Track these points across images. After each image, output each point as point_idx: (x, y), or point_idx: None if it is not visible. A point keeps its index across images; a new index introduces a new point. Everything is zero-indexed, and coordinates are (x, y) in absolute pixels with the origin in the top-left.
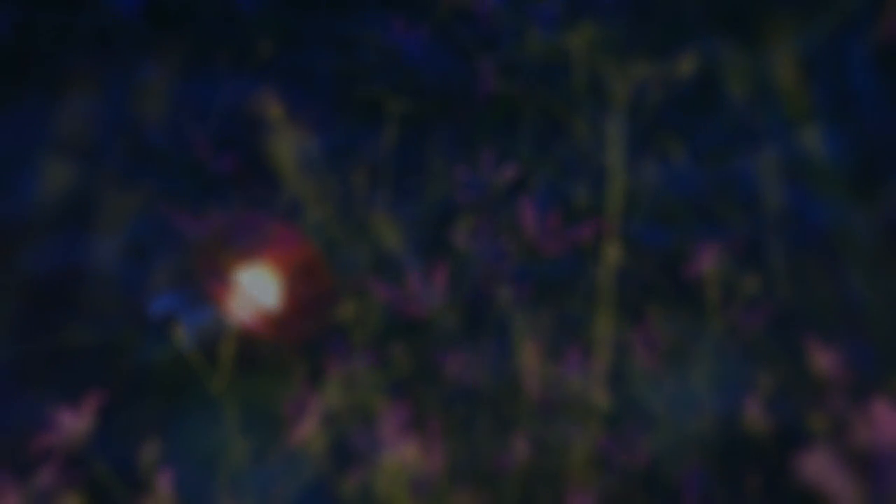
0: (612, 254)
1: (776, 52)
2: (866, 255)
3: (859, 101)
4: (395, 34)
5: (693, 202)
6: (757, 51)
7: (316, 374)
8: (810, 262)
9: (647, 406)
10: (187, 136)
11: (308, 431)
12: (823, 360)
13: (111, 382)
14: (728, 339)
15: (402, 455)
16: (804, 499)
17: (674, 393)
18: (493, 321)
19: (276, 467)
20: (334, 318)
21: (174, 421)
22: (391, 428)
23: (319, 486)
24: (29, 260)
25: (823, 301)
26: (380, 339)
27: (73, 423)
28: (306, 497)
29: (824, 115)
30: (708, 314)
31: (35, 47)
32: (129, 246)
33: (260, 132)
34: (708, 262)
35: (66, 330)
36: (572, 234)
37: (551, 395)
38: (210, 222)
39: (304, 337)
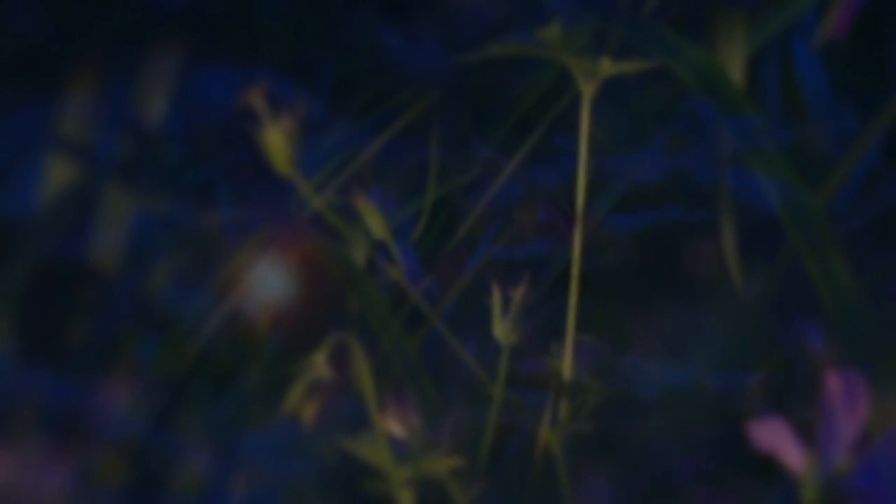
0: (581, 235)
1: (729, 49)
2: (814, 236)
3: (806, 93)
4: (387, 34)
5: (657, 188)
6: (712, 48)
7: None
8: (761, 243)
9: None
10: (190, 130)
11: (298, 402)
12: (790, 338)
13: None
14: (692, 316)
15: (384, 424)
16: (761, 463)
17: (638, 362)
18: (474, 300)
19: (271, 434)
20: (339, 309)
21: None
22: (378, 400)
23: (307, 450)
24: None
25: (777, 280)
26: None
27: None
28: (294, 459)
29: (773, 107)
30: (674, 292)
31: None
32: (130, 242)
33: (260, 127)
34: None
35: (67, 325)
36: (543, 216)
37: (526, 369)
38: (213, 217)
39: (311, 328)
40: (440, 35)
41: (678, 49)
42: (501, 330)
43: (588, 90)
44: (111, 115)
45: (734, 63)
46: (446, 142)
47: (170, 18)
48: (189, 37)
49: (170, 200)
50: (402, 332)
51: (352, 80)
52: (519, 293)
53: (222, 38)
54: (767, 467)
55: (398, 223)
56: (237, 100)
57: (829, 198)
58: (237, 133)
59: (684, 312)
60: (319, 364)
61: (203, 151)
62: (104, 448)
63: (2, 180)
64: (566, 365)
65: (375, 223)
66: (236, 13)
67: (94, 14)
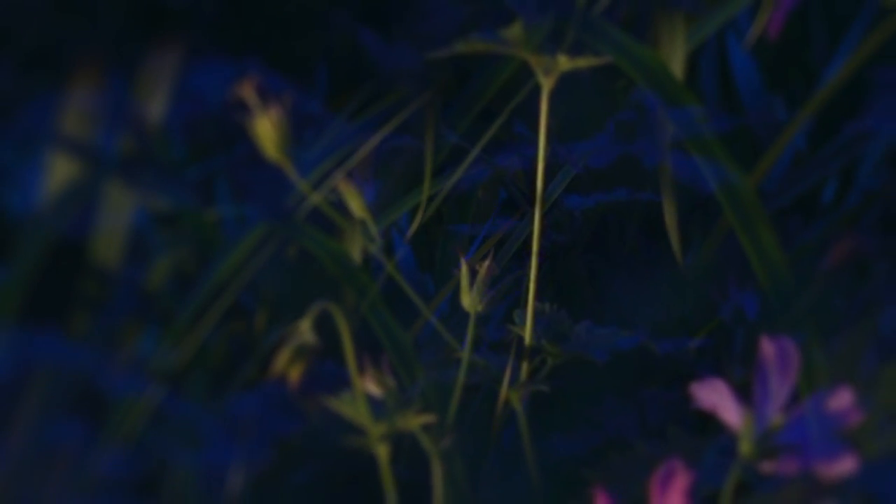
0: (540, 214)
1: (671, 46)
2: (746, 213)
3: (739, 87)
4: (365, 34)
5: (607, 173)
6: (656, 46)
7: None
8: (700, 220)
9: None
10: (188, 125)
11: (285, 365)
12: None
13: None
14: (639, 286)
15: (363, 384)
16: (702, 420)
17: (591, 328)
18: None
19: (259, 392)
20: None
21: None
22: (356, 361)
23: (292, 406)
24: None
25: (714, 253)
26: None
27: None
28: (280, 415)
29: (711, 99)
30: (623, 265)
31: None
32: (130, 238)
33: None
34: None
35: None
36: (505, 197)
37: (490, 335)
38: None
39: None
40: (413, 34)
41: (626, 47)
42: (468, 300)
43: (547, 83)
44: (112, 112)
45: (675, 59)
46: (417, 130)
47: (168, 18)
48: (187, 35)
49: (170, 196)
50: (392, 319)
51: (345, 80)
52: (484, 267)
53: (217, 36)
54: (708, 423)
55: (394, 219)
56: (230, 92)
57: (759, 179)
58: (235, 129)
59: (632, 283)
60: (304, 331)
61: (202, 148)
62: (112, 406)
63: (6, 176)
64: (527, 331)
65: (356, 205)
66: (230, 14)
67: (96, 14)
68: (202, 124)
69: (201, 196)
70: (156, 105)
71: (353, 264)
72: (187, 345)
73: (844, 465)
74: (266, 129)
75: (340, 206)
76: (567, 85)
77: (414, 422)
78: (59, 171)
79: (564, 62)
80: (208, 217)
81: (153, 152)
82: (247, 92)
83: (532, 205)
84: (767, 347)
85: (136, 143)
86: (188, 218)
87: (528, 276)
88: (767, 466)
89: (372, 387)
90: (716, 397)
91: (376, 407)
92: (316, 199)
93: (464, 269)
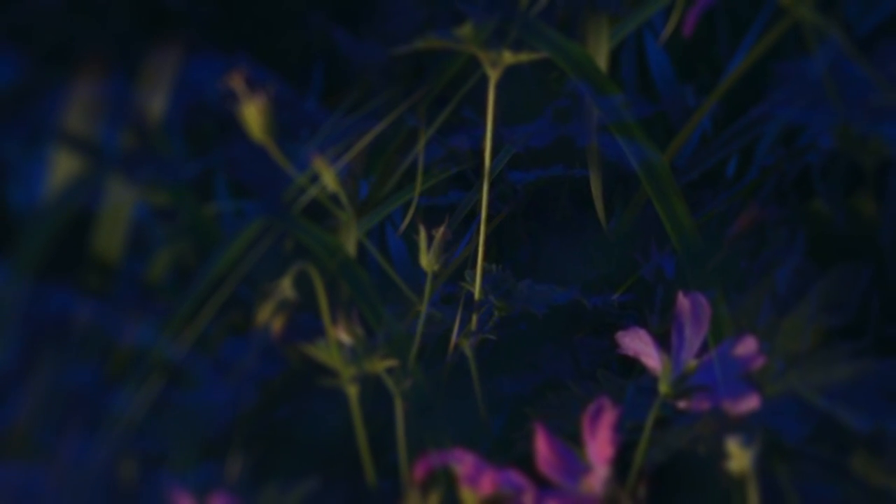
0: (487, 187)
1: (597, 43)
2: (662, 186)
3: (655, 77)
4: (338, 32)
5: (545, 152)
6: (584, 43)
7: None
8: (623, 191)
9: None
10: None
11: (269, 316)
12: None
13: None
14: (572, 249)
15: (335, 333)
16: (627, 364)
17: (531, 285)
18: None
19: (246, 341)
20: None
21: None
22: (330, 314)
23: (274, 352)
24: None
25: (633, 220)
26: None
27: None
28: (265, 361)
29: (631, 88)
30: (558, 231)
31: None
32: (131, 231)
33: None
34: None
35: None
36: (457, 172)
37: (445, 291)
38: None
39: None
40: (379, 33)
41: (559, 44)
42: (426, 261)
43: (493, 75)
44: (114, 108)
45: (600, 54)
46: (381, 115)
47: (167, 19)
48: (184, 35)
49: (169, 191)
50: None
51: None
52: (439, 233)
53: (211, 35)
54: (632, 367)
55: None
56: (221, 82)
57: (672, 157)
58: (232, 126)
59: (566, 246)
60: (285, 287)
61: (201, 144)
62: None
63: (10, 172)
64: (476, 287)
65: (328, 178)
66: (222, 15)
67: (105, 15)
68: (199, 113)
69: (200, 191)
70: (156, 99)
71: (348, 257)
72: (186, 336)
73: (748, 403)
74: (253, 115)
75: (336, 201)
76: (510, 76)
77: (379, 365)
78: (63, 167)
79: (508, 57)
80: (207, 211)
81: (154, 148)
82: (236, 82)
83: (480, 179)
84: (683, 302)
85: (137, 139)
86: (188, 212)
87: (476, 240)
88: (683, 404)
89: (343, 336)
90: (639, 345)
91: (347, 353)
92: (312, 193)
93: (422, 234)
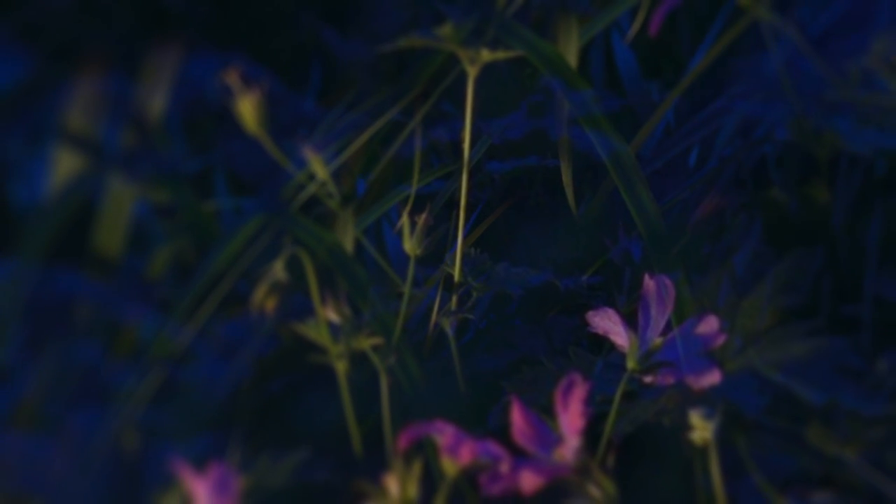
0: (466, 176)
1: (567, 42)
2: (628, 175)
3: (622, 74)
4: (327, 31)
5: (520, 143)
6: (555, 42)
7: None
8: (592, 179)
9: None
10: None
11: (262, 297)
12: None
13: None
14: (545, 233)
15: (325, 313)
16: (597, 341)
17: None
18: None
19: (242, 320)
20: None
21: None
22: (319, 295)
23: (268, 331)
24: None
25: (601, 207)
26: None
27: None
28: (259, 338)
29: (599, 84)
30: (532, 216)
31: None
32: (131, 228)
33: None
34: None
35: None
36: (436, 162)
37: (427, 273)
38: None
39: None
40: (365, 32)
41: (533, 43)
42: (409, 245)
43: (472, 72)
44: (115, 107)
45: (571, 52)
46: (378, 113)
47: (167, 20)
48: (183, 34)
49: (170, 188)
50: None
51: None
52: (422, 218)
53: (208, 35)
54: (602, 344)
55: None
56: (218, 79)
57: (638, 147)
58: (231, 125)
59: (540, 231)
60: (278, 270)
61: (201, 142)
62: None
63: (13, 170)
64: (456, 270)
65: (319, 169)
66: (218, 15)
67: (110, 16)
68: (198, 110)
69: (200, 188)
70: (157, 98)
71: (345, 254)
72: (187, 330)
73: (710, 378)
74: (247, 108)
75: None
76: (487, 73)
77: (365, 343)
78: (65, 164)
79: (486, 54)
80: (207, 209)
81: (154, 145)
82: (232, 78)
83: (459, 169)
84: (649, 283)
85: (137, 136)
86: (187, 209)
87: (456, 226)
88: (649, 379)
89: (332, 315)
90: (608, 323)
91: (336, 331)
92: (310, 190)
93: (405, 220)
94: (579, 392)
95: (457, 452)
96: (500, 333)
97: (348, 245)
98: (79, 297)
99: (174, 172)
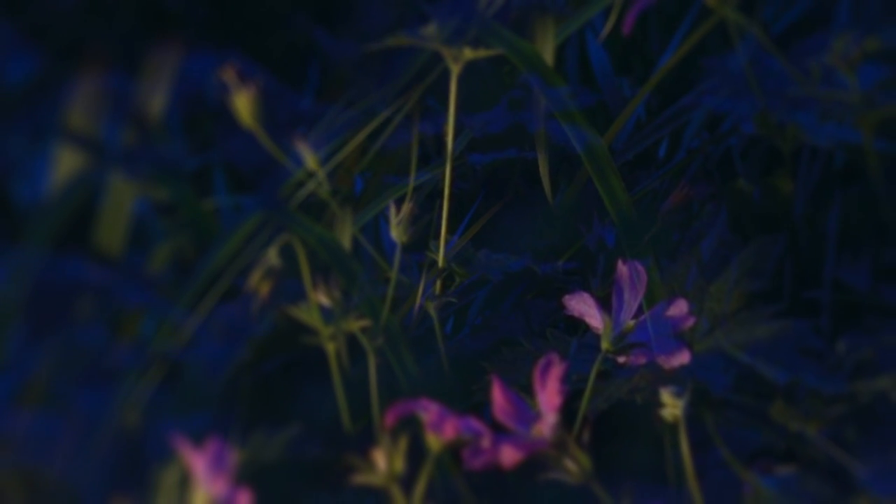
0: (450, 167)
1: (544, 40)
2: (601, 166)
3: (595, 71)
4: (318, 31)
5: (500, 137)
6: (533, 40)
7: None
8: (568, 170)
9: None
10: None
11: (257, 282)
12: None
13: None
14: (524, 221)
15: (316, 296)
16: (573, 323)
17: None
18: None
19: (237, 303)
20: None
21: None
22: (311, 279)
23: (262, 314)
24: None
25: (575, 196)
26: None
27: None
28: (253, 321)
29: (574, 80)
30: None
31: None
32: (132, 226)
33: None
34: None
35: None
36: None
37: (413, 259)
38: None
39: None
40: (354, 32)
41: (512, 42)
42: (396, 232)
43: (455, 69)
44: (116, 105)
45: (547, 50)
46: (375, 112)
47: (166, 20)
48: (182, 34)
49: (170, 186)
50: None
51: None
52: (407, 207)
53: (206, 34)
54: (578, 326)
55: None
56: (215, 76)
57: (610, 140)
58: (230, 124)
59: (519, 219)
60: (272, 256)
61: (200, 141)
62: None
63: (15, 168)
64: (440, 256)
65: (310, 160)
66: (216, 16)
67: (112, 16)
68: (196, 108)
69: (200, 186)
70: (157, 96)
71: (342, 251)
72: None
73: (680, 358)
74: (243, 103)
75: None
76: (470, 70)
77: (354, 325)
78: (66, 162)
79: (468, 53)
80: (206, 206)
81: (154, 144)
82: (228, 75)
83: (443, 160)
84: (622, 269)
85: (138, 135)
86: (187, 207)
87: (440, 214)
88: (622, 359)
89: (323, 298)
90: (583, 307)
91: (326, 314)
92: (309, 188)
93: (392, 209)
94: (556, 371)
95: (441, 429)
96: (481, 316)
97: (346, 242)
98: (83, 285)
99: (174, 170)
